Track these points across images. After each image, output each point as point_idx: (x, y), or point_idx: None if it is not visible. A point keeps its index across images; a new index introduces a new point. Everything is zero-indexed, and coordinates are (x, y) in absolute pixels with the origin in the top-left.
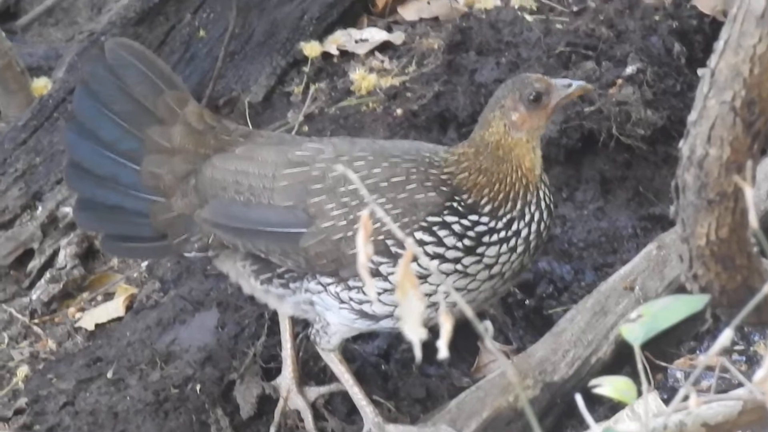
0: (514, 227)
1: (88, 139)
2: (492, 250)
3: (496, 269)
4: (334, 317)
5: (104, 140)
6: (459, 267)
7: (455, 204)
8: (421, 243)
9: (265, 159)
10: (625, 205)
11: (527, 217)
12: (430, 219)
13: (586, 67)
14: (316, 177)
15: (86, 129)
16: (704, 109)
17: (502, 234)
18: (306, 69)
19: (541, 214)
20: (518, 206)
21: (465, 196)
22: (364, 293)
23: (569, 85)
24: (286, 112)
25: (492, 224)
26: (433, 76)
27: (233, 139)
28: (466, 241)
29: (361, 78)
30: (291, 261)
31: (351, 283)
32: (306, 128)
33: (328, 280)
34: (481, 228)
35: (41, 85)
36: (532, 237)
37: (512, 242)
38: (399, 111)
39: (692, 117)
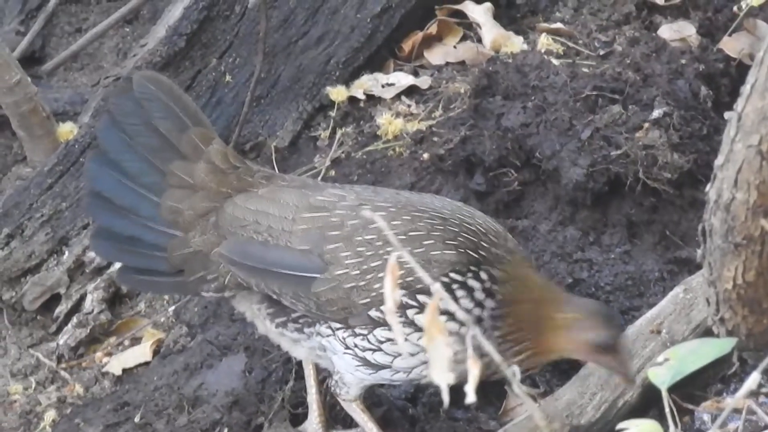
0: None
1: (110, 169)
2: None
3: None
4: (340, 362)
5: (127, 171)
6: (462, 331)
7: (483, 273)
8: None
9: (287, 201)
10: (652, 249)
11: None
12: (453, 276)
13: (613, 111)
14: (334, 224)
15: (109, 159)
16: (731, 153)
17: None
18: (332, 113)
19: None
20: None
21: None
22: (368, 341)
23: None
24: (313, 156)
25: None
26: (459, 121)
27: (255, 181)
28: (483, 313)
29: (387, 122)
30: (302, 305)
31: (357, 330)
32: (333, 173)
33: (338, 325)
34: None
35: (67, 130)
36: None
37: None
38: (426, 155)
39: (719, 161)
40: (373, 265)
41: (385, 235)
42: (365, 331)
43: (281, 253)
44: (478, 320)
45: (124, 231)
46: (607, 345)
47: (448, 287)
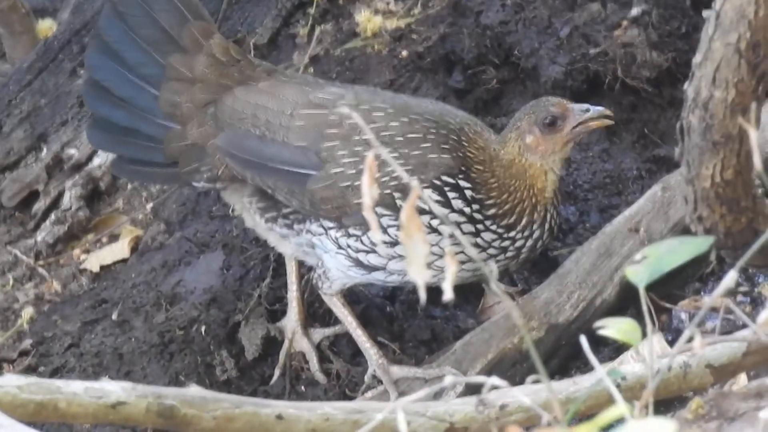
0: (512, 234)
1: (110, 59)
2: (488, 236)
3: (483, 255)
4: (331, 261)
5: (126, 62)
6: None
7: (473, 174)
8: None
9: (286, 97)
10: (631, 147)
11: (526, 232)
12: (445, 178)
13: (592, 8)
14: (332, 122)
15: (110, 49)
16: (709, 51)
17: (501, 231)
18: (311, 11)
19: (542, 233)
20: (522, 222)
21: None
22: (362, 242)
23: (587, 110)
24: (292, 53)
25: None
26: (438, 18)
27: (257, 75)
28: (473, 211)
29: (366, 20)
30: (296, 201)
31: (351, 230)
32: (311, 70)
33: (330, 224)
34: (488, 211)
35: (46, 26)
36: (524, 250)
37: (506, 243)
38: (404, 53)
39: (697, 59)
40: None
41: (383, 136)
42: (359, 232)
43: (278, 148)
44: (472, 219)
45: (121, 122)
46: (553, 116)
47: (440, 189)
